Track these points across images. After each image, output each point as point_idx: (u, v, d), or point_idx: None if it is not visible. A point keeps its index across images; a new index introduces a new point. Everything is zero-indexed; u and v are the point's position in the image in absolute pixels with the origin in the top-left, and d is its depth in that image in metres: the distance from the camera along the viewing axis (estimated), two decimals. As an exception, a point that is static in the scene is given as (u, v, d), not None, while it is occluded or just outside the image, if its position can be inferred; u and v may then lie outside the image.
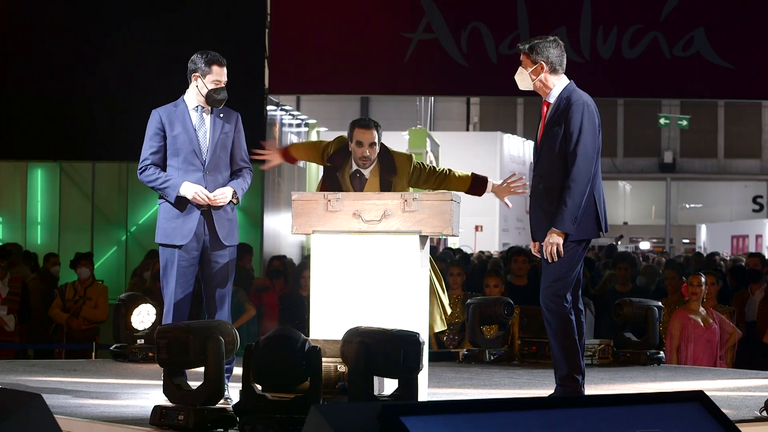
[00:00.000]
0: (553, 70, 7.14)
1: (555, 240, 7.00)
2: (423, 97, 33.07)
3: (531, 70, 7.14)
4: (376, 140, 7.88)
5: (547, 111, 7.16)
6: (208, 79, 7.45)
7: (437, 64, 16.94)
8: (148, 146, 7.51)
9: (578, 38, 16.69)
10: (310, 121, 24.20)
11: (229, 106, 7.80)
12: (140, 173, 7.51)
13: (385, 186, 7.86)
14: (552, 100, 7.15)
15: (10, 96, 16.74)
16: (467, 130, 42.53)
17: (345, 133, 8.13)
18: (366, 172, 7.95)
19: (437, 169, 8.21)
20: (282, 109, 21.51)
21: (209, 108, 7.54)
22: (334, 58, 16.95)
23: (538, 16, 16.83)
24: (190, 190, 7.41)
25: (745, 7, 16.96)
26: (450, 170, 8.20)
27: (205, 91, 7.47)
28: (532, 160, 7.46)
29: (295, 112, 23.88)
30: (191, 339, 6.23)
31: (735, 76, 16.87)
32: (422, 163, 8.21)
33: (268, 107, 17.66)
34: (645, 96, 22.26)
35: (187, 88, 7.59)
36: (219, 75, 7.45)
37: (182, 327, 6.43)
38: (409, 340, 6.10)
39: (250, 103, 16.26)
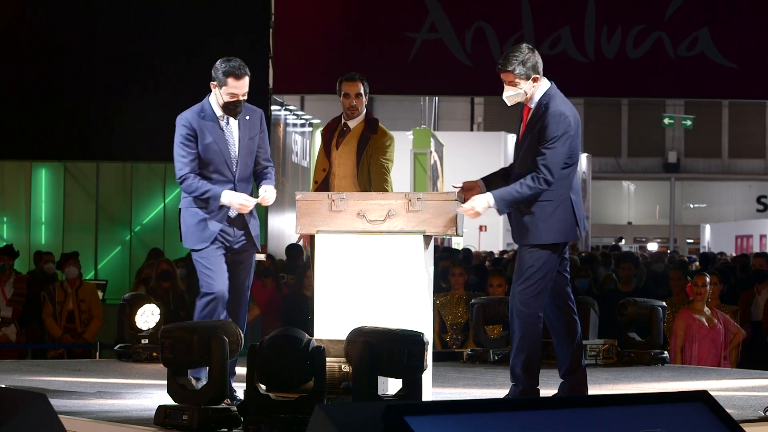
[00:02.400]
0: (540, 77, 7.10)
1: (481, 204, 7.04)
2: (427, 97, 33.07)
3: (527, 85, 7.04)
4: (362, 92, 8.65)
5: (527, 116, 7.13)
6: (224, 91, 7.32)
7: (441, 63, 16.96)
8: (185, 153, 7.32)
9: (582, 38, 16.70)
10: (314, 121, 24.18)
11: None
12: (181, 182, 7.36)
13: (363, 140, 8.57)
14: (533, 105, 7.10)
15: (14, 96, 16.76)
16: (471, 130, 42.55)
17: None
18: (351, 124, 8.69)
19: (384, 168, 8.57)
20: (286, 109, 21.51)
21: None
22: (338, 58, 16.96)
23: (542, 16, 16.84)
24: (234, 200, 7.28)
25: (749, 7, 16.98)
26: (382, 179, 8.52)
27: (221, 102, 7.40)
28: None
29: (299, 112, 23.87)
30: (195, 339, 6.23)
31: (739, 75, 16.89)
32: (387, 151, 8.65)
33: (272, 107, 17.68)
34: (649, 96, 22.29)
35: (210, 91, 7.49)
36: (234, 88, 7.30)
37: (186, 327, 6.43)
38: (413, 339, 6.10)
39: (254, 102, 16.19)
